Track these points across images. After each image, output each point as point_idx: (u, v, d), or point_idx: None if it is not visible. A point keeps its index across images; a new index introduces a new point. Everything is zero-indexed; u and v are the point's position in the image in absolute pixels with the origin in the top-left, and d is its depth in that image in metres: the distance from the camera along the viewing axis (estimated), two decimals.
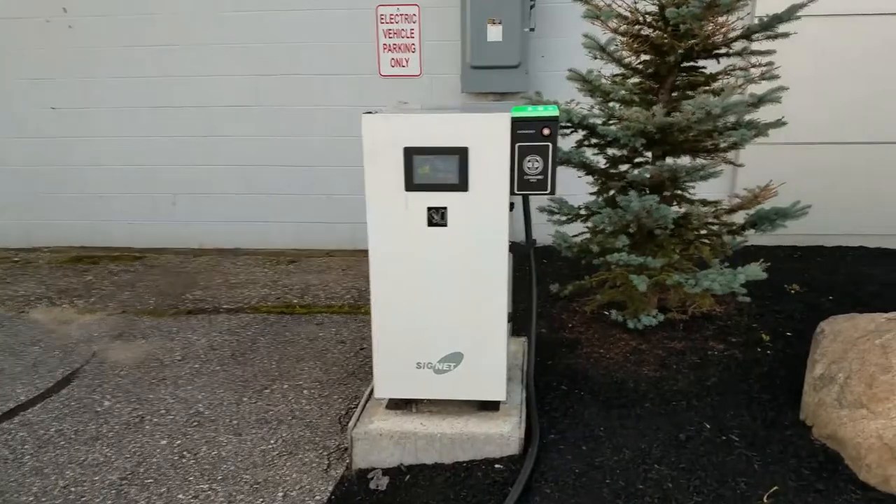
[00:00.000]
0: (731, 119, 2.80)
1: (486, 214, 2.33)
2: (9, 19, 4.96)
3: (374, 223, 2.39)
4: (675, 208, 2.99)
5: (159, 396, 3.07)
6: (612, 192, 3.07)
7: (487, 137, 2.27)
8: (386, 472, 2.47)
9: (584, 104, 3.14)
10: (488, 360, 2.46)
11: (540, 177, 2.32)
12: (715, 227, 3.18)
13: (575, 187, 3.55)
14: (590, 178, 3.26)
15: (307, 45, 4.84)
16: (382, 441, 2.49)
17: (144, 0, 4.83)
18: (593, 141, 3.11)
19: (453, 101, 4.75)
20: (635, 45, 2.93)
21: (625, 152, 3.02)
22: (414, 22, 4.74)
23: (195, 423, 2.84)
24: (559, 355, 3.15)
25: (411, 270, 2.41)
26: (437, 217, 2.36)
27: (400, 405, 2.61)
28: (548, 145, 2.29)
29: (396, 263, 2.41)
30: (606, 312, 3.39)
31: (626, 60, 2.99)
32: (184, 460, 2.58)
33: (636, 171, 2.92)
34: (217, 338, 3.70)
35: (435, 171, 2.31)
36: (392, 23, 4.74)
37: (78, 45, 4.97)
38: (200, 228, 5.28)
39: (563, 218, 3.23)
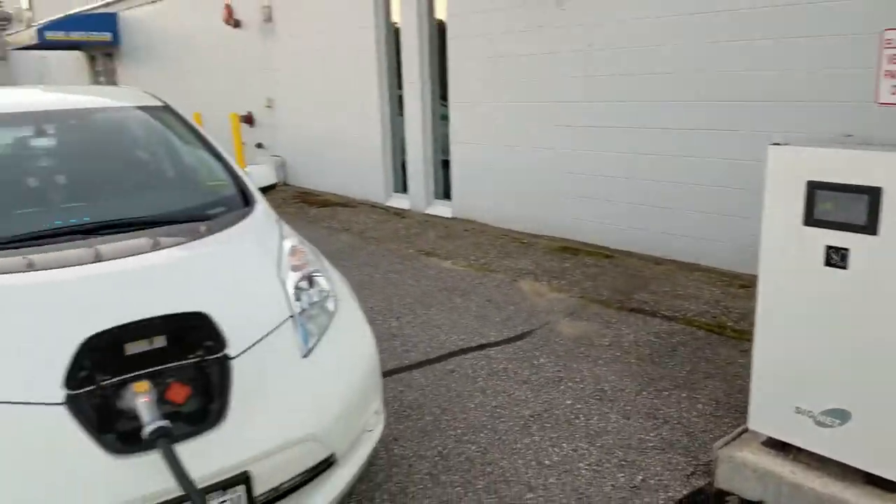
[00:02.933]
0: None
1: None
2: (546, 54, 6.31)
3: (766, 256, 2.42)
4: None
5: (579, 367, 3.69)
6: None
7: None
8: (744, 502, 2.48)
9: None
10: (882, 429, 2.19)
11: None
12: None
13: None
14: None
15: (791, 71, 4.67)
16: (745, 471, 2.50)
17: (652, 42, 5.47)
18: None
19: None
20: None
21: None
22: None
23: (597, 397, 3.34)
24: None
25: (800, 310, 2.35)
26: (836, 258, 2.23)
27: (777, 446, 2.54)
28: None
29: (785, 300, 2.38)
30: None
31: None
32: (577, 420, 3.12)
33: None
34: (644, 336, 4.11)
35: (838, 208, 2.20)
36: None
37: (594, 73, 5.98)
38: (665, 239, 5.70)
39: None
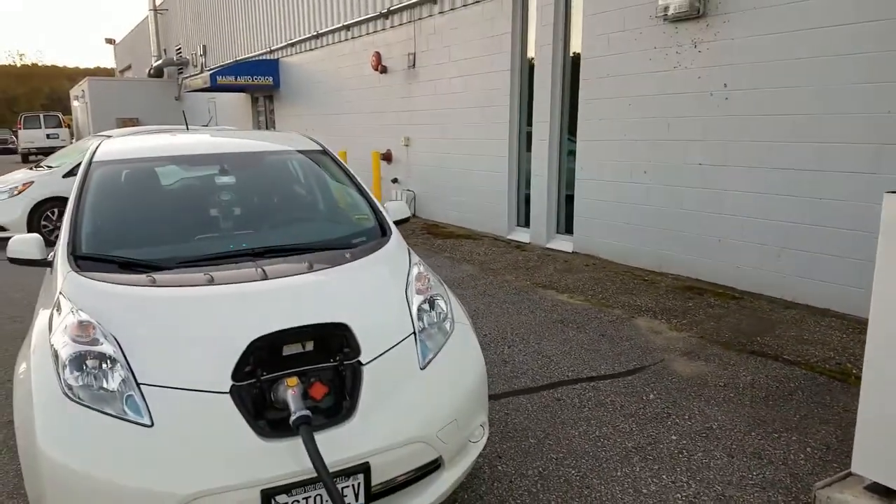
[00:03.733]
0: None
1: None
2: (679, 94, 6.36)
3: (878, 301, 2.43)
4: None
5: (689, 405, 3.73)
6: None
7: None
8: None
9: None
10: None
11: None
12: None
13: None
14: None
15: None
16: None
17: (783, 77, 5.39)
18: None
19: None
20: None
21: None
22: None
23: (704, 435, 3.39)
24: None
25: None
26: None
27: (880, 492, 2.50)
28: None
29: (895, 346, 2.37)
30: None
31: None
32: (680, 455, 3.20)
33: None
34: (761, 379, 4.05)
35: None
36: None
37: (728, 113, 5.95)
38: (798, 284, 5.50)
39: None
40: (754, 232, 5.85)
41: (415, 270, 2.95)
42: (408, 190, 11.16)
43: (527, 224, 8.74)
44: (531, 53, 8.46)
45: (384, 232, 3.30)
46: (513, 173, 8.93)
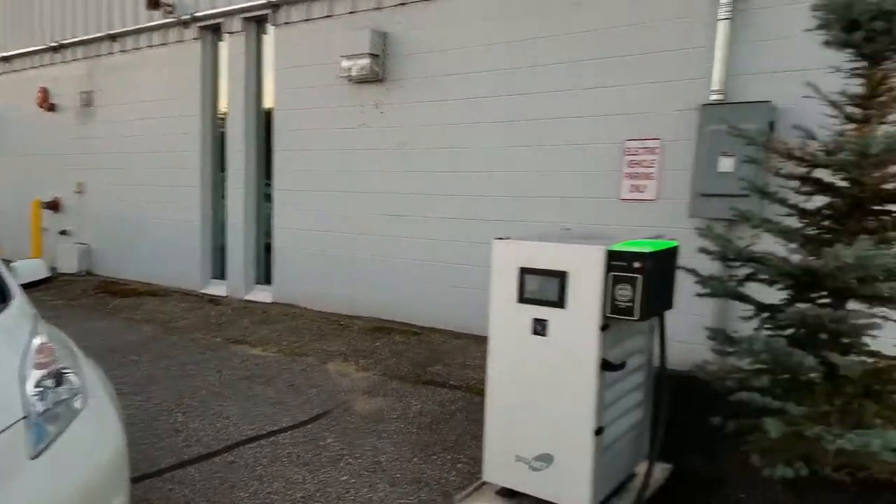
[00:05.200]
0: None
1: (578, 330, 2.59)
2: (367, 150, 6.83)
3: (493, 326, 2.86)
4: (847, 358, 2.65)
5: (362, 443, 3.90)
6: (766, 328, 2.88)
7: (583, 265, 2.58)
8: None
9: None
10: (574, 468, 2.64)
11: (629, 304, 2.49)
12: None
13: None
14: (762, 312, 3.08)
15: (564, 173, 5.53)
16: None
17: (451, 138, 6.17)
18: (760, 276, 2.98)
19: (679, 223, 4.81)
20: (805, 188, 2.82)
21: (787, 290, 2.83)
22: (655, 154, 5.06)
23: (372, 469, 3.57)
24: (698, 491, 3.02)
25: (516, 371, 2.79)
26: (539, 328, 2.71)
27: (507, 494, 2.91)
28: (637, 277, 2.46)
29: (506, 363, 2.82)
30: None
31: (791, 202, 2.87)
32: (347, 495, 3.32)
33: (784, 312, 2.72)
34: (429, 406, 4.44)
35: (540, 288, 2.69)
36: (635, 154, 5.13)
37: (408, 169, 6.56)
38: (464, 316, 6.21)
39: (730, 349, 3.11)
40: (431, 273, 6.47)
41: (36, 342, 2.60)
42: (80, 243, 9.89)
43: (223, 276, 8.39)
44: (223, 99, 8.28)
45: (4, 297, 2.86)
46: (206, 222, 8.54)
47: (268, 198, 7.92)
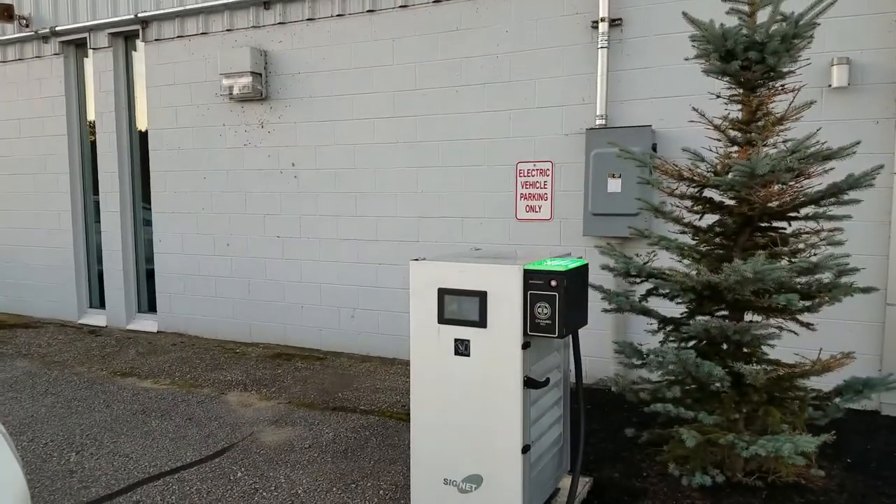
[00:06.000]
0: (788, 281, 2.76)
1: (501, 349, 2.68)
2: (253, 170, 6.64)
3: (415, 348, 2.87)
4: (751, 366, 2.92)
5: (276, 475, 3.76)
6: (671, 341, 3.13)
7: (502, 284, 2.66)
8: None
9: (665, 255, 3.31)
10: (504, 488, 2.70)
11: (549, 321, 2.61)
12: (801, 393, 3.01)
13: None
14: (666, 326, 3.34)
15: (464, 194, 5.66)
16: None
17: (342, 159, 6.14)
18: (661, 291, 3.23)
19: (574, 242, 5.11)
20: (697, 207, 3.09)
21: (688, 304, 3.09)
22: (547, 175, 5.32)
23: (290, 502, 3.45)
24: (619, 502, 3.15)
25: (440, 393, 2.82)
26: (461, 348, 2.76)
27: None
28: (555, 295, 2.59)
29: (430, 385, 2.84)
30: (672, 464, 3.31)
31: (686, 220, 3.14)
32: None
33: (689, 324, 2.98)
34: (342, 433, 4.36)
35: (461, 309, 2.75)
36: (529, 176, 5.38)
37: (299, 189, 6.44)
38: (370, 339, 6.18)
39: (637, 362, 3.33)
40: (331, 296, 6.38)
41: None
42: None
43: (102, 305, 7.78)
44: (92, 118, 7.72)
45: None
46: (80, 248, 7.90)
47: (148, 222, 7.47)
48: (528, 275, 2.63)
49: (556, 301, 2.59)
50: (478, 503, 2.75)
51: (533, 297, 2.63)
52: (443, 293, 2.79)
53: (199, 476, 3.76)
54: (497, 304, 2.68)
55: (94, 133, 7.71)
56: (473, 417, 2.75)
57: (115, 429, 4.47)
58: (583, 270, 2.92)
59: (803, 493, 3.09)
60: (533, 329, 2.64)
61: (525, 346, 2.67)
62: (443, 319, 2.79)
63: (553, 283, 2.59)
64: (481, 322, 2.71)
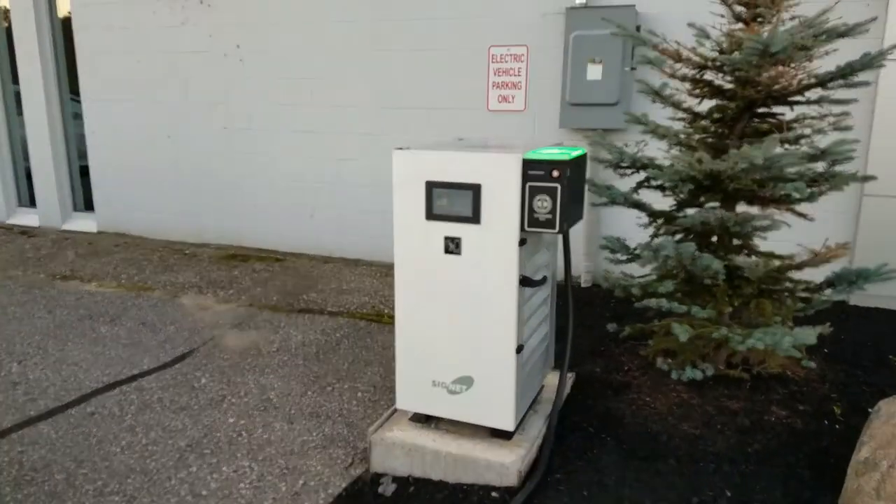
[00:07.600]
0: (794, 169, 2.58)
1: (496, 247, 2.45)
2: (194, 53, 5.97)
3: (399, 247, 2.62)
4: (749, 259, 2.80)
5: (245, 381, 3.56)
6: (661, 235, 2.97)
7: (499, 176, 2.39)
8: (396, 479, 2.67)
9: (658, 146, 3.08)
10: (496, 389, 2.56)
11: (549, 216, 2.38)
12: (790, 285, 2.93)
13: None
14: (657, 219, 3.17)
15: (430, 81, 5.23)
16: (395, 450, 2.69)
17: (294, 41, 5.55)
18: (653, 183, 3.03)
19: (549, 135, 4.82)
20: (696, 91, 2.83)
21: (683, 195, 2.91)
22: (522, 61, 4.91)
23: (262, 408, 3.27)
24: (602, 397, 3.10)
25: (429, 293, 2.60)
26: (452, 246, 2.52)
27: (422, 420, 2.79)
28: (556, 186, 2.34)
29: (417, 286, 2.62)
30: (660, 359, 3.26)
31: (686, 105, 2.89)
32: (240, 438, 3.00)
33: (685, 216, 2.81)
34: (311, 336, 4.16)
35: (451, 203, 2.48)
36: (502, 62, 4.96)
37: (246, 75, 5.84)
38: (332, 239, 5.88)
39: (623, 257, 3.18)
40: (289, 194, 5.98)
41: None
42: None
43: (33, 203, 7.16)
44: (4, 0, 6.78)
45: None
46: (2, 143, 7.15)
47: (78, 115, 6.76)
48: (528, 164, 2.36)
49: (558, 193, 2.34)
50: (468, 404, 2.62)
51: (532, 189, 2.37)
52: (431, 186, 2.50)
53: (160, 384, 3.53)
54: (492, 198, 2.42)
55: (8, 19, 6.78)
56: (464, 318, 2.56)
57: (59, 336, 4.14)
58: (582, 161, 2.67)
59: (787, 383, 3.09)
60: (531, 224, 2.41)
61: (521, 242, 2.45)
62: (431, 215, 2.52)
63: (555, 173, 2.33)
64: (474, 218, 2.45)
